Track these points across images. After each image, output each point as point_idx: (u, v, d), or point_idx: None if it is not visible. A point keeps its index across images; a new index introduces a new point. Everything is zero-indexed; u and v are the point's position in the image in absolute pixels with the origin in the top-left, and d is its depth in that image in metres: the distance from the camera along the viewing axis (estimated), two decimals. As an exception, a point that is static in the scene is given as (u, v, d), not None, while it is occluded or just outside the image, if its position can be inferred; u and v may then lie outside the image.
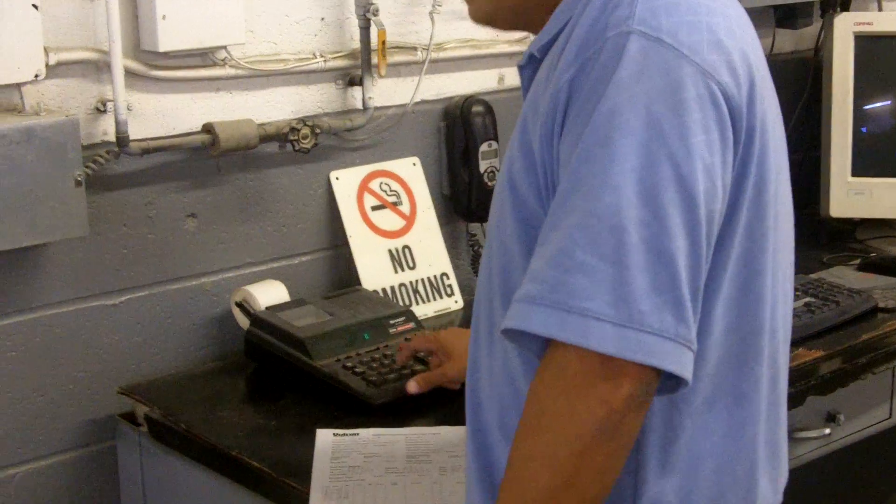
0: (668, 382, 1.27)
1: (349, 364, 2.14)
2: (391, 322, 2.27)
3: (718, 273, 1.33)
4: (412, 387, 2.06)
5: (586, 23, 1.33)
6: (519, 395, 1.39)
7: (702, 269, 1.28)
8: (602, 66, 1.28)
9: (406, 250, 2.57)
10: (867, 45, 3.00)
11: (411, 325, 2.29)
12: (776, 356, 1.45)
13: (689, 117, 1.26)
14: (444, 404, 2.06)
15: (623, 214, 1.23)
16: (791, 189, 1.47)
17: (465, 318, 2.57)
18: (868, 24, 3.02)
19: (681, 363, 1.24)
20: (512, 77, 2.79)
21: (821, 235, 3.03)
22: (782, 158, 1.43)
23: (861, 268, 2.80)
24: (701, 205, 1.26)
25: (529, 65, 1.48)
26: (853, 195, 2.97)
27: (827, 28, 3.07)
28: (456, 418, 1.94)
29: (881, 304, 2.52)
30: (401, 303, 2.50)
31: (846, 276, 2.72)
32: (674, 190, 1.24)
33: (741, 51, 1.34)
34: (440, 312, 2.59)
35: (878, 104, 3.04)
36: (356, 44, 2.50)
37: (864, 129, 3.00)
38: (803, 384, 2.23)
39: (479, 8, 1.54)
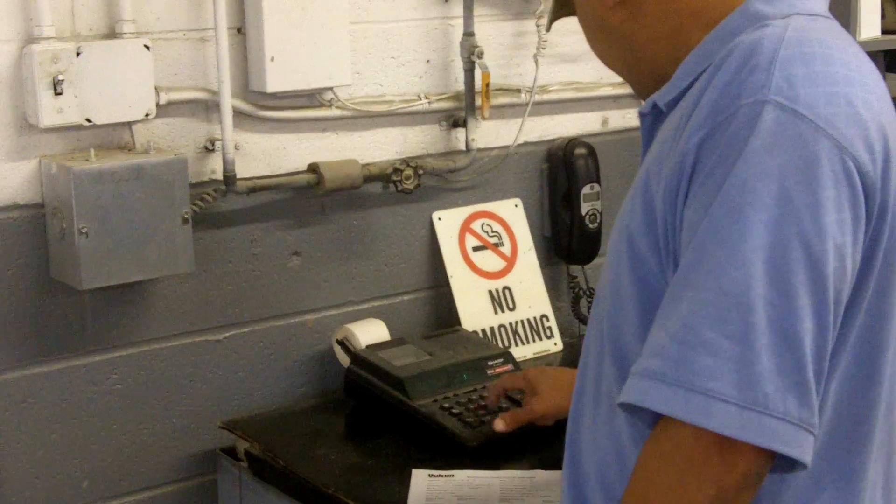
0: (784, 461, 1.23)
1: (447, 405, 2.15)
2: (489, 363, 2.28)
3: (838, 351, 1.29)
4: (499, 425, 2.06)
5: (719, 85, 1.29)
6: (621, 453, 1.38)
7: (827, 352, 1.24)
8: (734, 134, 1.24)
9: (506, 291, 2.58)
10: (979, 90, 2.96)
11: (509, 366, 2.30)
12: (892, 433, 1.41)
13: (823, 194, 1.22)
14: (539, 448, 2.06)
15: (751, 293, 1.20)
16: None
17: (564, 360, 2.58)
18: (981, 69, 2.98)
19: (801, 448, 1.21)
20: (615, 120, 2.79)
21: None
22: None
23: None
24: (830, 286, 1.22)
25: (651, 113, 1.46)
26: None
27: (938, 73, 3.03)
28: (550, 462, 1.94)
29: None
30: (500, 344, 2.51)
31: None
32: (803, 270, 1.21)
33: (878, 123, 1.29)
34: (539, 354, 2.59)
35: None
36: (460, 86, 2.52)
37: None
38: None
39: (641, 92, 1.52)
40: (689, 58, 1.39)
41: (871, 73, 1.36)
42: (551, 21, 1.68)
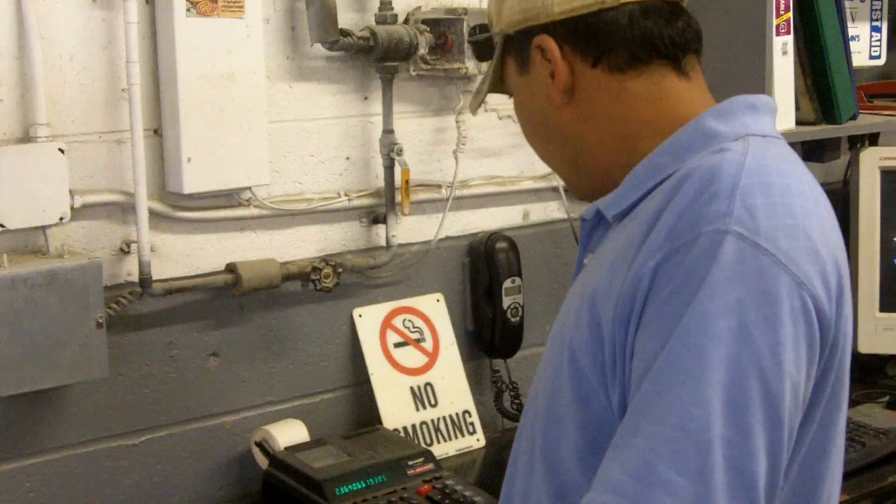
0: None
1: (366, 508, 2.13)
2: (409, 463, 2.26)
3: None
4: None
5: (677, 209, 1.27)
6: None
7: (777, 490, 1.23)
8: (694, 263, 1.23)
9: (428, 387, 2.57)
10: (894, 178, 3.00)
11: (430, 465, 2.28)
12: None
13: (783, 332, 1.21)
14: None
15: (710, 431, 1.18)
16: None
17: (487, 456, 2.57)
18: (894, 158, 3.02)
19: None
20: (536, 212, 2.81)
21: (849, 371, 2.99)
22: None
23: (889, 405, 2.77)
24: (785, 424, 1.21)
25: (593, 220, 1.44)
26: (882, 331, 2.95)
27: (854, 162, 3.07)
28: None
29: (908, 446, 2.48)
30: (422, 442, 2.49)
31: (874, 414, 2.69)
32: (761, 409, 1.20)
33: (833, 257, 1.29)
34: (462, 451, 2.57)
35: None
36: (381, 182, 2.53)
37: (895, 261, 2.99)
38: (827, 529, 2.19)
39: (578, 191, 1.52)
40: (639, 168, 1.37)
41: (823, 202, 1.36)
42: (481, 101, 1.61)
